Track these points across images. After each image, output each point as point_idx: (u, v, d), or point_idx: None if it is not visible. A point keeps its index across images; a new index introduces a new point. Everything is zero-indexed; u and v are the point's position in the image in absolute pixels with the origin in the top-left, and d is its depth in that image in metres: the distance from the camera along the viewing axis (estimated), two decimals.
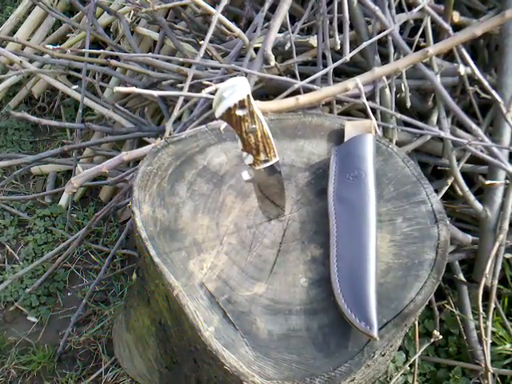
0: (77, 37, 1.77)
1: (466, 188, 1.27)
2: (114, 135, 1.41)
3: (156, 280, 0.84)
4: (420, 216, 0.85)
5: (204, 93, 1.06)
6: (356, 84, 1.00)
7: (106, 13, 1.78)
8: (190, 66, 1.35)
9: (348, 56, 1.05)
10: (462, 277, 1.41)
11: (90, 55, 1.43)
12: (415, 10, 1.06)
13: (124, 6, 1.69)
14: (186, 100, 1.28)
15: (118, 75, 1.61)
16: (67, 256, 1.48)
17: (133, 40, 1.64)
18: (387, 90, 1.17)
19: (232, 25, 1.16)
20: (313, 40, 1.26)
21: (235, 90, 0.61)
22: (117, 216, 1.70)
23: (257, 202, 0.87)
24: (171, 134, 0.99)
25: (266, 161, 0.73)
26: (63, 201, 1.72)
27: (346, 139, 0.94)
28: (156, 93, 1.04)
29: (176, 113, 1.10)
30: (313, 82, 1.10)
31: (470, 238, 1.33)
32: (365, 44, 1.05)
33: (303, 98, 1.03)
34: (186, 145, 0.95)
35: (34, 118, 1.36)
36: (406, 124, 1.16)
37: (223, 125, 0.99)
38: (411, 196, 0.88)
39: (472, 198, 1.27)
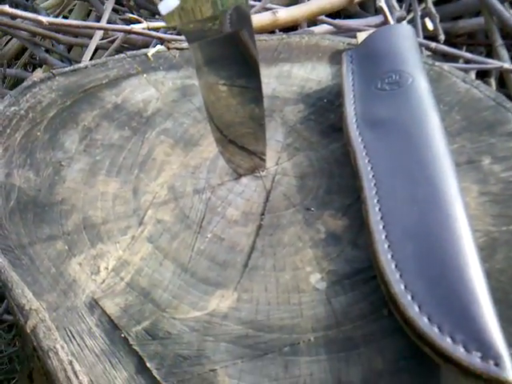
0: None
1: None
2: None
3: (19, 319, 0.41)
4: None
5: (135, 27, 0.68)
6: None
7: None
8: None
9: None
10: None
11: None
12: None
13: None
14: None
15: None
16: None
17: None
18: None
19: None
20: None
21: None
22: None
23: (212, 152, 0.46)
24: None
25: None
26: None
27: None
28: (45, 19, 0.65)
29: (91, 51, 0.71)
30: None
31: None
32: None
33: (284, 13, 0.64)
34: (85, 76, 0.55)
35: None
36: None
37: (153, 49, 0.59)
38: (496, 125, 0.48)
39: None
